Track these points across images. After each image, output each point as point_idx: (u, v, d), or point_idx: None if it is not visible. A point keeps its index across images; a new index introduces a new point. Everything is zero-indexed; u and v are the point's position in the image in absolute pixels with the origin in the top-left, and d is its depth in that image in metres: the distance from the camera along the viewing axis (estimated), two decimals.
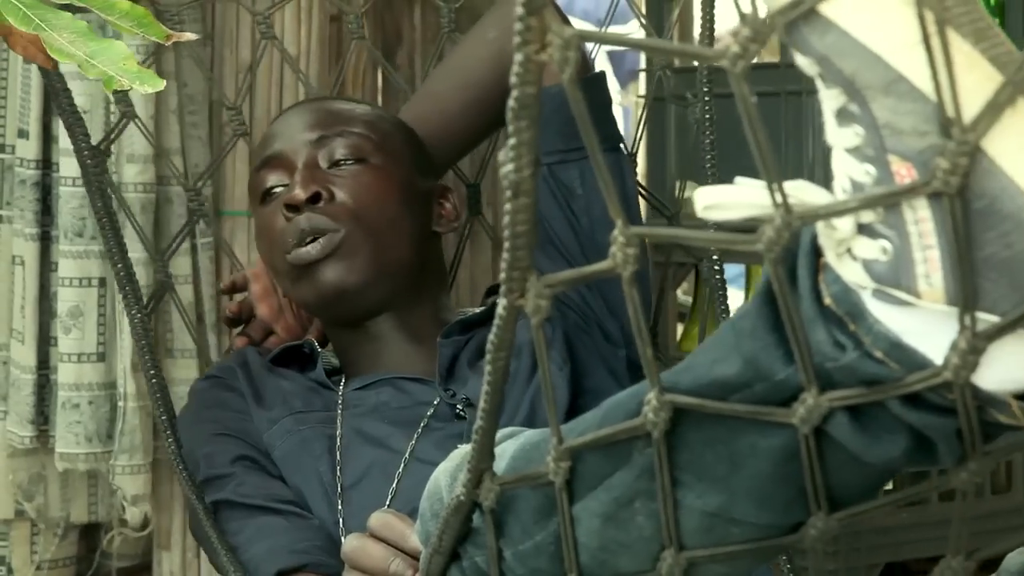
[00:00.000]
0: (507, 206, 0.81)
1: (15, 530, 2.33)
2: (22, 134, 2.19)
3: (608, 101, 1.75)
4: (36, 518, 2.29)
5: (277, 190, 1.64)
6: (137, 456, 2.19)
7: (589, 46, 1.82)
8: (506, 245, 0.83)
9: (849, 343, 0.80)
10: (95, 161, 1.72)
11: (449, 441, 1.56)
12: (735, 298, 1.76)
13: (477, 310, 1.73)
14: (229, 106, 1.84)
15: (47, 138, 2.19)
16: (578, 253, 1.67)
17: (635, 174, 1.81)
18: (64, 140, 2.13)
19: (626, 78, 5.04)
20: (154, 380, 1.69)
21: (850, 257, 0.78)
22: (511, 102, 0.76)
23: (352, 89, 2.50)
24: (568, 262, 1.65)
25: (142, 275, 1.97)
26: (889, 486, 1.64)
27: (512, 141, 0.78)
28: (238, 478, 1.58)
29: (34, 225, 2.19)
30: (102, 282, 2.15)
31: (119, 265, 1.71)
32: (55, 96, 1.71)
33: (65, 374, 2.17)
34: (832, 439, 0.84)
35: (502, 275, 0.85)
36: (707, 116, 1.66)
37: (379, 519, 1.29)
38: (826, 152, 2.35)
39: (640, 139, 1.87)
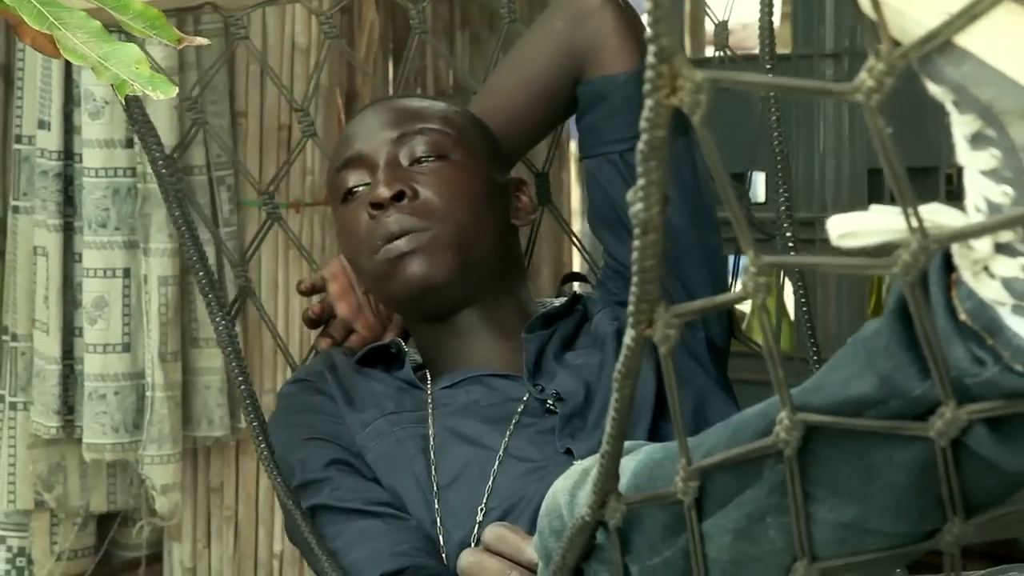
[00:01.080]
0: (636, 243, 0.81)
1: (35, 521, 2.35)
2: (42, 125, 2.19)
3: None
4: (56, 508, 2.31)
5: (359, 189, 1.65)
6: (166, 446, 2.20)
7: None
8: (635, 279, 0.83)
9: (989, 358, 0.80)
10: (170, 170, 1.72)
11: (541, 436, 1.56)
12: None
13: (557, 301, 1.73)
14: (297, 108, 1.84)
15: (68, 129, 2.20)
16: None
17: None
18: (88, 131, 2.14)
19: None
20: (243, 386, 1.69)
21: (988, 275, 0.79)
22: (641, 145, 0.77)
23: (362, 81, 2.50)
24: None
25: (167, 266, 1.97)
26: None
27: (641, 182, 0.78)
28: (334, 482, 1.59)
29: (57, 216, 2.20)
30: (126, 272, 2.16)
31: (200, 273, 1.71)
32: (127, 107, 1.71)
33: (91, 365, 2.18)
34: (970, 450, 0.84)
35: (630, 307, 0.85)
36: (774, 112, 1.65)
37: (494, 532, 1.30)
38: (838, 143, 2.36)
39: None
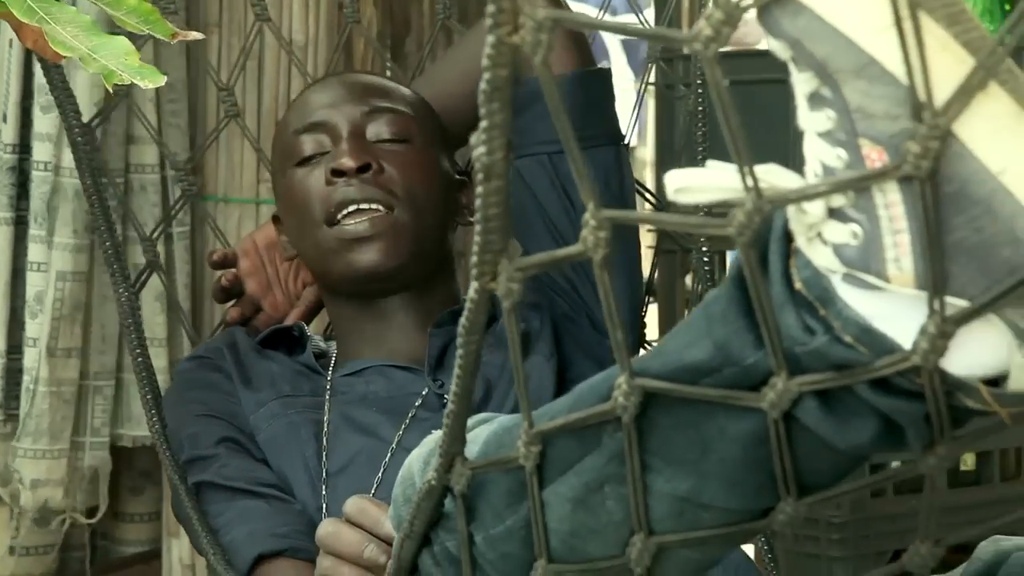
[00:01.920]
0: (479, 189, 0.81)
1: None
2: (1, 118, 2.19)
3: (611, 96, 1.75)
4: (10, 503, 2.28)
5: (317, 156, 1.63)
6: (42, 441, 2.18)
7: (599, 35, 1.82)
8: (478, 228, 0.83)
9: (819, 327, 0.80)
10: (85, 139, 1.71)
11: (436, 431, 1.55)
12: None
13: None
14: (221, 87, 1.83)
15: (26, 122, 2.19)
16: (572, 237, 1.66)
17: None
18: (39, 124, 2.14)
19: (640, 67, 5.06)
20: (140, 359, 1.69)
21: (820, 241, 0.78)
22: (483, 84, 0.76)
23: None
24: (560, 242, 1.65)
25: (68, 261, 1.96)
26: None
27: (484, 124, 0.78)
28: (222, 460, 1.58)
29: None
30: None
31: (107, 243, 1.70)
32: (47, 72, 1.71)
33: (29, 360, 2.17)
34: (801, 424, 0.84)
35: (473, 258, 0.84)
36: (700, 106, 1.65)
37: (354, 504, 1.29)
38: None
39: (634, 128, 1.86)
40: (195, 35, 1.24)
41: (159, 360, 2.21)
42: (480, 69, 1.69)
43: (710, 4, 0.70)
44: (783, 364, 0.80)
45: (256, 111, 2.32)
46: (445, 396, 1.58)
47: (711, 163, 0.77)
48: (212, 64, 2.13)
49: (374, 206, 1.58)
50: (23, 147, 2.20)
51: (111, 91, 1.17)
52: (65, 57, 1.16)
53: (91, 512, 2.34)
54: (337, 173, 1.59)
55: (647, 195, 1.89)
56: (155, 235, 1.79)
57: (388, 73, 2.13)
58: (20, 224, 2.22)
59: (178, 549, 2.37)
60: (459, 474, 0.98)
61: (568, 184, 1.67)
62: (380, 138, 1.63)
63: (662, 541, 0.92)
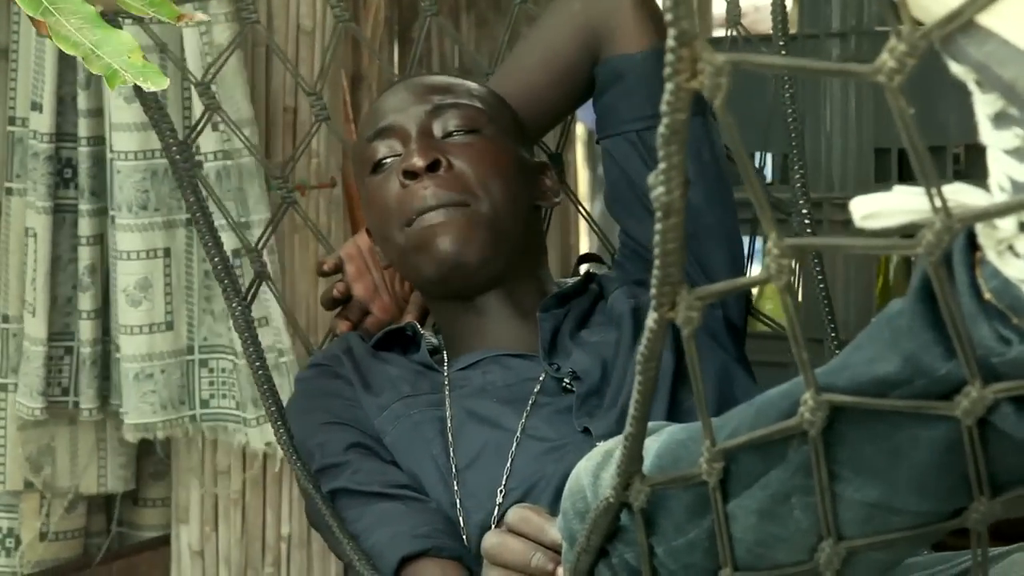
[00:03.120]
0: (657, 226, 0.81)
1: (24, 502, 2.35)
2: (35, 107, 2.20)
3: None
4: (43, 489, 2.31)
5: (389, 160, 1.64)
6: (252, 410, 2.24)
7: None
8: (656, 263, 0.83)
9: (1014, 336, 0.80)
10: (184, 156, 1.72)
11: (558, 416, 1.56)
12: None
13: (570, 281, 1.73)
14: (310, 92, 1.84)
15: (61, 111, 2.20)
16: None
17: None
18: (117, 115, 2.15)
19: None
20: (260, 371, 1.70)
21: (1012, 254, 0.78)
22: (662, 128, 0.77)
23: (368, 62, 2.50)
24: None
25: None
26: None
27: (663, 166, 0.78)
28: (353, 466, 1.59)
29: (47, 198, 2.21)
30: (166, 252, 2.18)
31: (216, 259, 1.71)
32: (140, 95, 1.72)
33: (135, 346, 2.19)
34: (997, 428, 0.84)
35: (653, 290, 0.85)
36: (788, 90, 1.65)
37: (517, 514, 1.30)
38: (844, 123, 2.36)
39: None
40: (201, 16, 1.23)
41: None
42: (557, 53, 1.71)
43: (891, 37, 0.70)
44: (977, 373, 0.81)
45: (264, 97, 2.33)
46: (565, 380, 1.59)
47: (897, 187, 0.77)
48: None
49: (448, 207, 1.59)
50: (60, 136, 2.22)
51: (111, 89, 1.17)
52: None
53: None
54: (409, 175, 1.60)
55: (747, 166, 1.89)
56: (261, 245, 1.80)
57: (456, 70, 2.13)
58: (57, 212, 2.24)
59: (187, 535, 2.41)
60: (638, 491, 1.00)
61: (656, 159, 1.67)
62: (447, 132, 1.64)
63: (851, 546, 0.93)
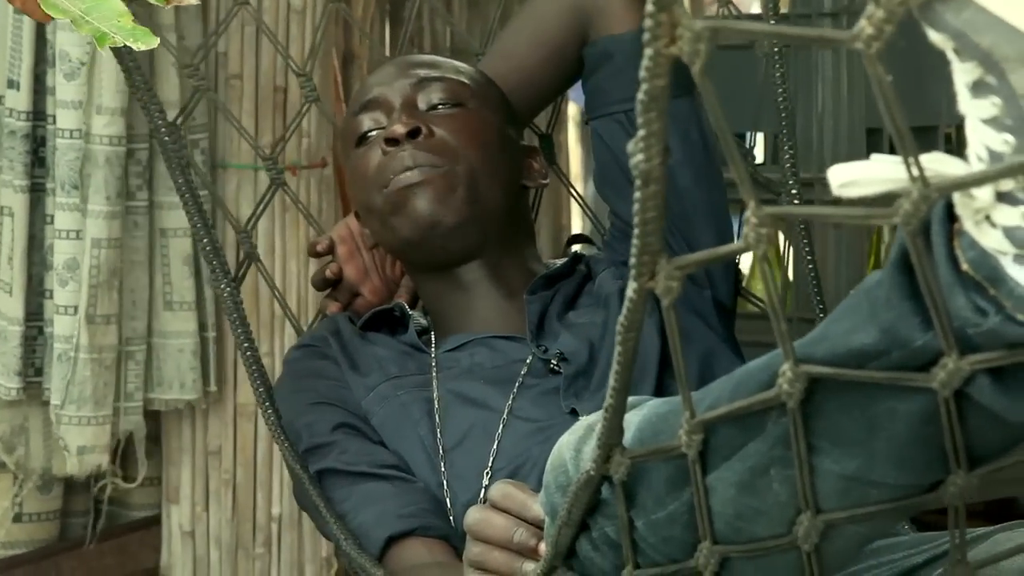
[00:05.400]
0: (636, 194, 0.81)
1: None
2: (12, 85, 2.19)
3: None
4: (16, 470, 2.31)
5: (373, 133, 1.64)
6: (86, 408, 2.20)
7: None
8: (636, 231, 0.83)
9: (990, 308, 0.80)
10: (172, 137, 1.72)
11: (546, 397, 1.57)
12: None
13: (559, 262, 1.73)
14: (299, 72, 1.84)
15: (39, 89, 2.20)
16: None
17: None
18: (63, 92, 2.14)
19: None
20: (248, 353, 1.70)
21: (989, 224, 0.78)
22: (640, 95, 0.76)
23: (359, 43, 2.50)
24: None
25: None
26: None
27: (642, 132, 0.78)
28: (340, 446, 1.60)
29: (24, 177, 2.20)
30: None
31: (204, 240, 1.71)
32: (128, 75, 1.71)
33: (60, 327, 2.18)
34: (973, 401, 0.84)
35: (632, 259, 0.85)
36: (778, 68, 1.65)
37: (499, 490, 1.30)
38: (836, 103, 2.35)
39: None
40: (191, 0, 1.23)
41: (189, 324, 2.25)
42: (546, 34, 1.71)
43: (870, 3, 0.70)
44: (954, 345, 0.81)
45: (255, 76, 2.33)
46: (552, 362, 1.59)
47: (875, 156, 0.77)
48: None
49: (426, 167, 1.60)
50: (36, 114, 2.21)
51: (103, 53, 1.16)
52: (52, 18, 1.15)
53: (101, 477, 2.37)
54: (390, 142, 1.61)
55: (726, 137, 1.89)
56: (250, 225, 1.79)
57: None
58: (34, 191, 2.23)
59: (177, 515, 2.40)
60: (618, 463, 1.00)
61: None
62: (432, 104, 1.64)
63: (830, 519, 0.93)
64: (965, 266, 0.81)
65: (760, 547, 0.97)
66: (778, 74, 1.73)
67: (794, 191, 1.74)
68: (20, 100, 2.18)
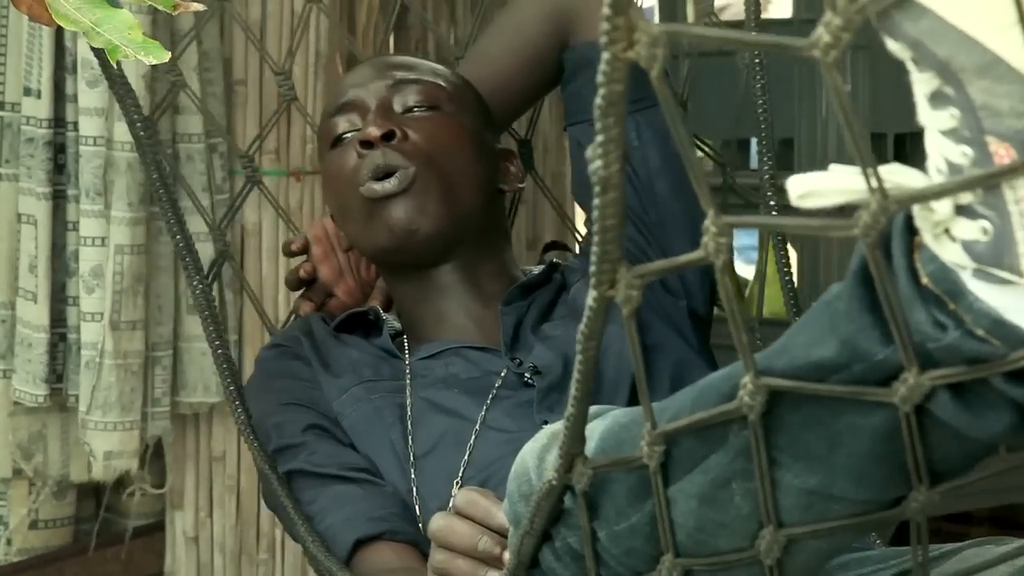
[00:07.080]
0: (596, 201, 0.80)
1: (13, 489, 2.34)
2: (28, 92, 2.18)
3: None
4: (34, 477, 2.30)
5: (348, 135, 1.63)
6: (112, 413, 2.20)
7: None
8: (595, 239, 0.82)
9: (950, 323, 0.79)
10: (148, 132, 1.71)
11: (519, 409, 1.55)
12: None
13: (536, 269, 1.72)
14: (277, 71, 1.82)
15: (59, 96, 2.19)
16: (637, 205, 1.66)
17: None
18: (85, 99, 2.14)
19: None
20: (220, 351, 1.68)
21: (948, 238, 0.77)
22: (598, 100, 0.75)
23: (363, 44, 2.49)
24: (627, 215, 1.64)
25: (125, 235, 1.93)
26: None
27: (600, 138, 0.77)
28: (310, 447, 1.58)
29: (46, 184, 2.19)
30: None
31: (178, 236, 1.70)
32: (105, 68, 1.70)
33: (87, 334, 2.18)
34: (934, 416, 0.83)
35: (592, 267, 0.84)
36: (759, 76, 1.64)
37: (464, 497, 1.29)
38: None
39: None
40: (197, 6, 1.23)
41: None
42: (525, 39, 1.70)
43: (826, 11, 0.69)
44: (914, 360, 0.80)
45: (259, 80, 2.32)
46: (525, 375, 1.58)
47: (834, 166, 0.76)
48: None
49: (399, 170, 1.58)
50: (58, 122, 2.21)
51: (114, 65, 1.16)
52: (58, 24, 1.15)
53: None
54: (364, 144, 1.59)
55: (707, 152, 1.89)
56: (224, 223, 1.78)
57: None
58: (56, 199, 2.23)
59: (181, 522, 2.40)
60: (580, 473, 0.98)
61: (625, 148, 1.66)
62: (407, 107, 1.63)
63: (791, 533, 0.92)
64: (925, 280, 0.80)
65: (722, 560, 0.96)
66: (758, 85, 1.71)
67: (771, 202, 1.73)
68: (40, 108, 2.18)
